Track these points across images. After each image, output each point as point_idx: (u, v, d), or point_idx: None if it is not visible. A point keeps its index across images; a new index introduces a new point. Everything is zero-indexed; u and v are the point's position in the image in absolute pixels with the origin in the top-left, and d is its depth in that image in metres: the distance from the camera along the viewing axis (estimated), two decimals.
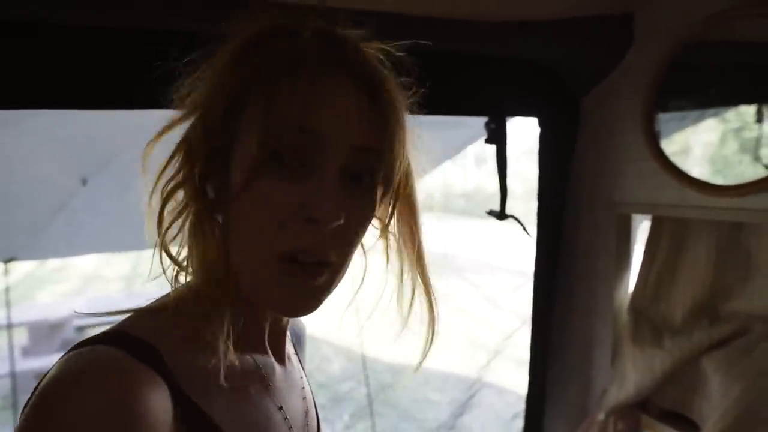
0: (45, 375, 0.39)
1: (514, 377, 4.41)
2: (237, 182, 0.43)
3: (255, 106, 0.43)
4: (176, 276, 0.47)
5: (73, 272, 8.56)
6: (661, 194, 1.04)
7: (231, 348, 0.44)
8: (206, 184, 0.46)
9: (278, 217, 0.43)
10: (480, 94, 1.13)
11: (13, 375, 3.02)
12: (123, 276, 8.08)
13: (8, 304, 3.05)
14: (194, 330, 0.44)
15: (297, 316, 0.48)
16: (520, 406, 1.40)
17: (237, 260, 0.46)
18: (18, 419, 0.38)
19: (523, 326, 5.29)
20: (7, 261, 2.71)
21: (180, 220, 0.46)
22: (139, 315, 0.46)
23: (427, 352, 0.51)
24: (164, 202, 0.46)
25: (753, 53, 0.95)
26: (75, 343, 0.41)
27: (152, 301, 0.48)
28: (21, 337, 4.30)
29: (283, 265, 0.44)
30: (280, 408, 0.51)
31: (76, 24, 0.75)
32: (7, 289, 2.95)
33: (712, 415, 0.98)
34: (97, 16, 0.75)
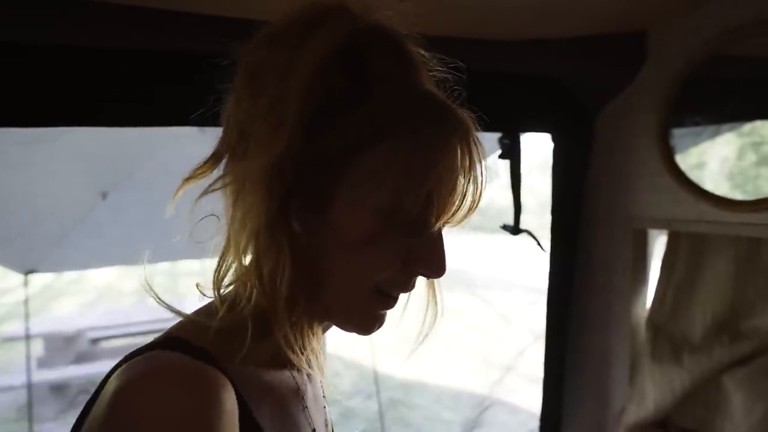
0: (102, 383, 0.39)
1: (527, 394, 4.33)
2: (347, 237, 0.43)
3: (374, 160, 0.41)
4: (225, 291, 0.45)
5: (89, 285, 8.67)
6: (678, 209, 1.04)
7: (302, 357, 0.45)
8: (291, 218, 0.43)
9: (389, 266, 0.44)
10: (494, 110, 1.13)
11: (29, 386, 3.05)
12: (138, 289, 8.15)
13: (27, 316, 3.09)
14: (254, 343, 0.43)
15: (368, 335, 0.50)
16: (533, 424, 1.38)
17: (332, 288, 0.45)
18: (84, 428, 0.37)
19: (535, 342, 5.21)
20: (27, 273, 2.77)
21: (254, 240, 0.42)
22: (193, 324, 0.44)
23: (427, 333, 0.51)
24: (251, 237, 0.41)
25: (766, 68, 0.95)
26: (131, 351, 0.41)
27: (198, 309, 0.47)
28: (36, 349, 4.35)
29: (379, 298, 0.46)
30: (314, 430, 0.53)
31: (106, 46, 0.78)
32: (26, 301, 3.00)
33: None
34: (125, 39, 0.78)
